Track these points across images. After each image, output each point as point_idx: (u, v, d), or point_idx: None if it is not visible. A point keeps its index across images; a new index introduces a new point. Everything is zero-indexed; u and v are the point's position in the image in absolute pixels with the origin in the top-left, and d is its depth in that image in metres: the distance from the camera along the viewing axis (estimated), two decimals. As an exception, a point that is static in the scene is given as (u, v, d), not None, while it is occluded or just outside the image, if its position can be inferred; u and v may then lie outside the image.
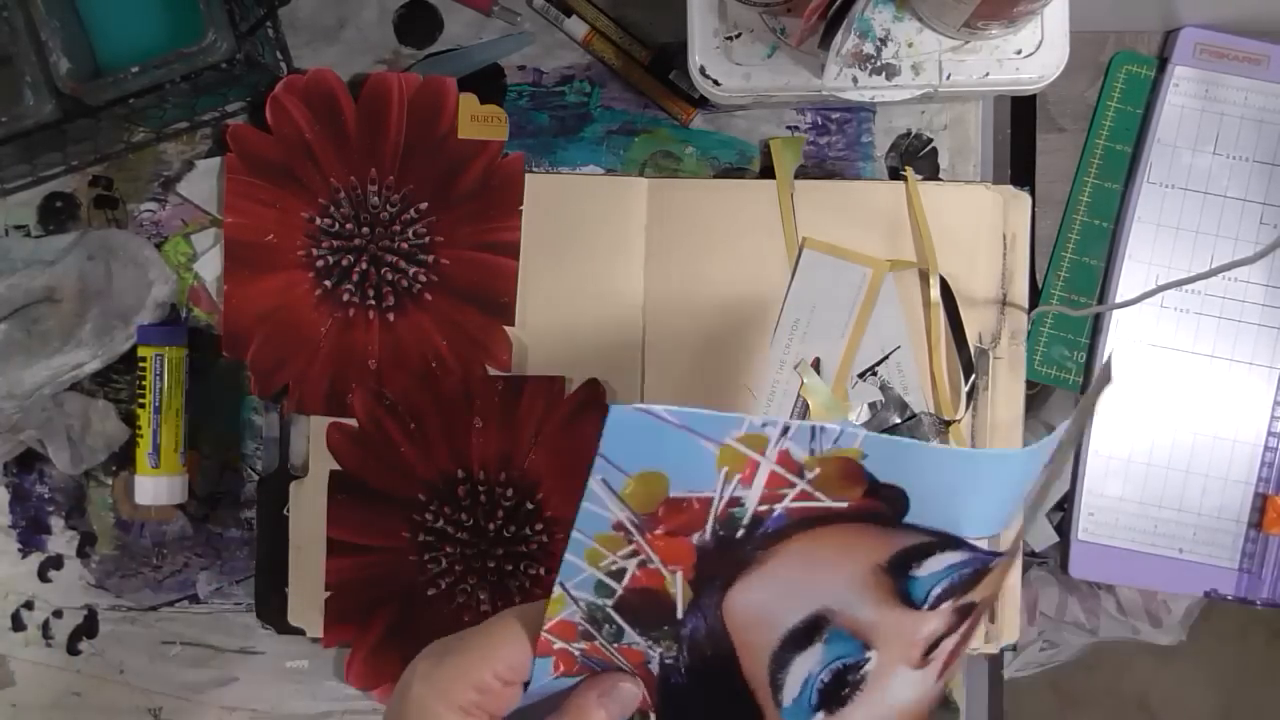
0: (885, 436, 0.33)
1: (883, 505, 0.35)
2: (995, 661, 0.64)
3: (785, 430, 0.33)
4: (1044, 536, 0.67)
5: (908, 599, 0.37)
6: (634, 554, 0.36)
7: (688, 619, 0.37)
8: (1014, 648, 0.63)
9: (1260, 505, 0.63)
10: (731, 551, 0.36)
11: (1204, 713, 1.31)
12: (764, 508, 0.35)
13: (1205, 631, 0.80)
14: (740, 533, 0.36)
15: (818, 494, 0.35)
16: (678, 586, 0.36)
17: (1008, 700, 0.65)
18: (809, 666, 0.37)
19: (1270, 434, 0.63)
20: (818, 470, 0.34)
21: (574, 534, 0.35)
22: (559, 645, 0.38)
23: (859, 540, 0.36)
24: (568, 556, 0.36)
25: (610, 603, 0.37)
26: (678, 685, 0.38)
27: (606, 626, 0.37)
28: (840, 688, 0.37)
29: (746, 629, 0.37)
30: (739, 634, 0.37)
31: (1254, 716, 1.30)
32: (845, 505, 0.35)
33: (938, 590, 0.36)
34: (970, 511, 0.36)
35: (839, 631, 0.37)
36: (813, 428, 0.33)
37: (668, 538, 0.35)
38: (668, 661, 0.38)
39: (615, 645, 0.38)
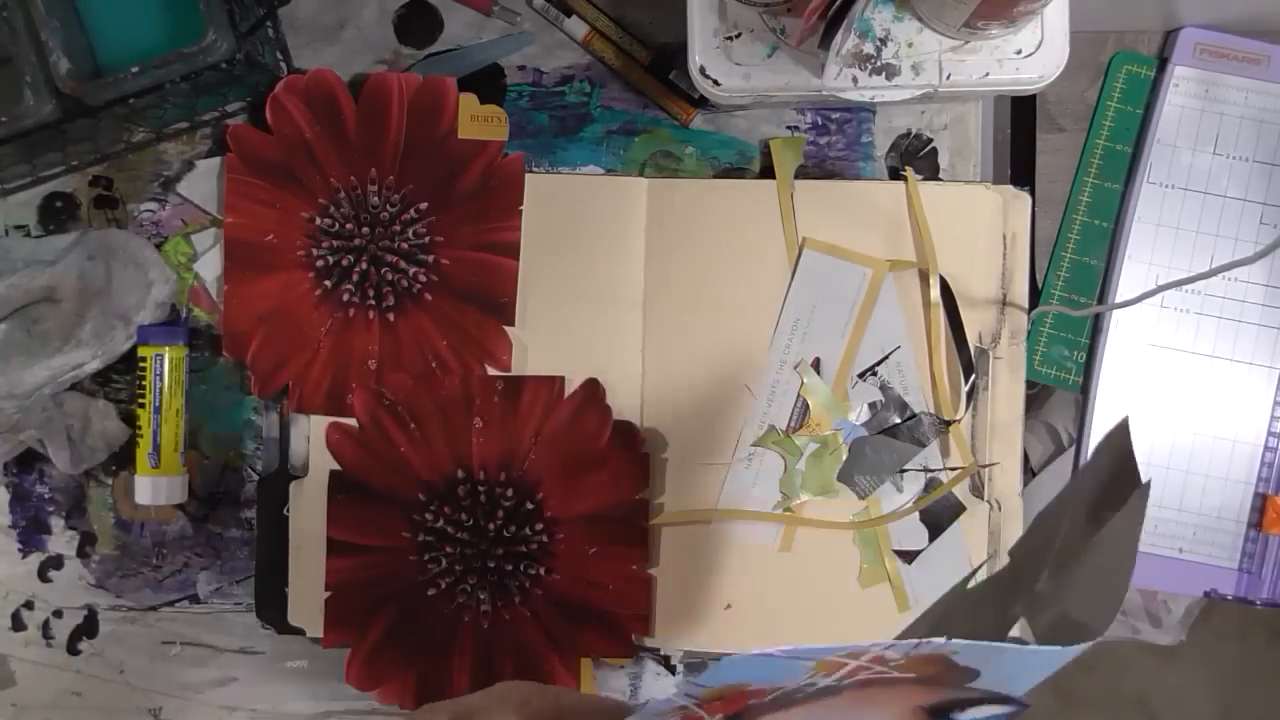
0: (984, 644, 0.32)
1: (949, 676, 0.34)
2: (995, 661, 0.64)
3: (889, 645, 0.31)
4: (1044, 536, 0.67)
5: None
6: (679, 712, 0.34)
7: None
8: (1014, 648, 0.62)
9: (1260, 505, 0.63)
10: (782, 703, 0.34)
11: (1204, 713, 1.31)
12: (833, 681, 0.33)
13: (1205, 631, 0.81)
14: (799, 694, 0.34)
15: (894, 672, 0.33)
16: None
17: (1008, 700, 0.65)
18: None
19: (1270, 434, 0.63)
20: (903, 662, 0.33)
21: (639, 711, 0.34)
22: None
23: (911, 691, 0.35)
24: None
25: None
26: None
27: None
28: None
29: None
30: None
31: (1254, 716, 1.30)
32: (913, 676, 0.34)
33: None
34: (1028, 682, 0.35)
35: None
36: (916, 643, 0.31)
37: (725, 704, 0.34)
38: None
39: None
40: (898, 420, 0.61)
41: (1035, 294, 0.63)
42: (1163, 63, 0.64)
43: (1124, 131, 0.64)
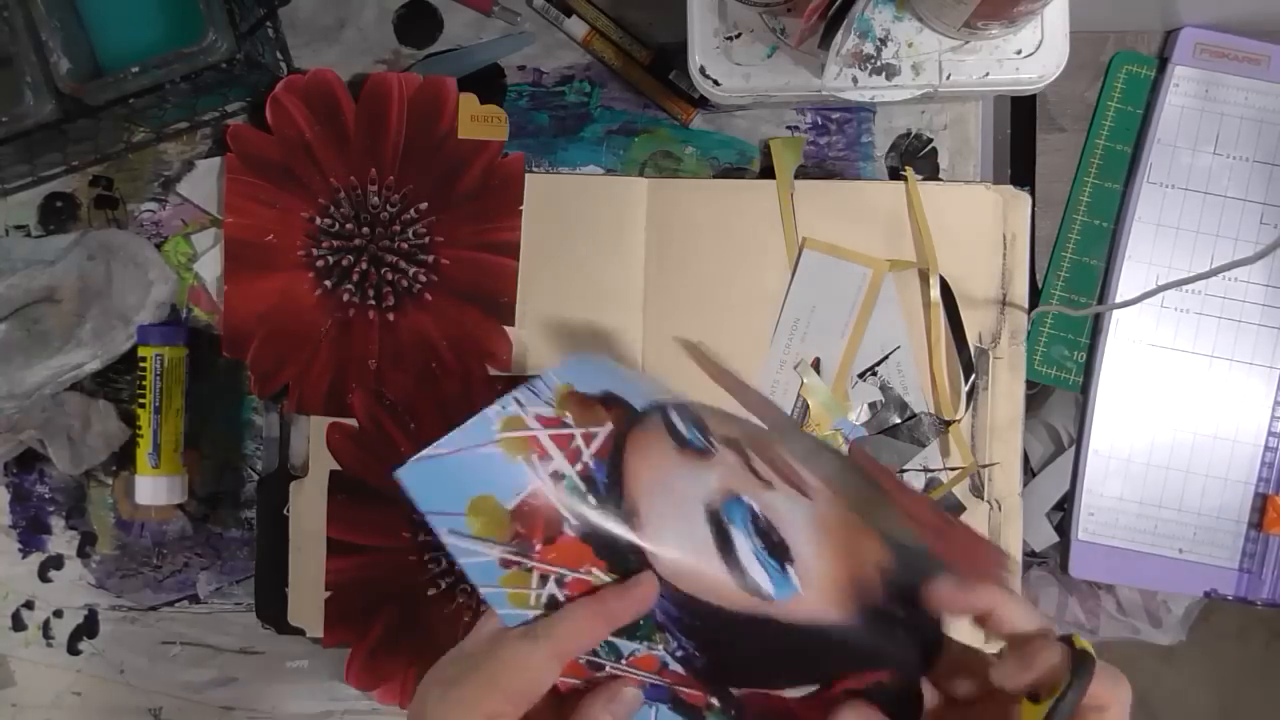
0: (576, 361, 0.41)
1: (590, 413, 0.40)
2: (995, 661, 0.64)
3: (519, 403, 0.38)
4: (1044, 536, 0.67)
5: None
6: (544, 578, 0.37)
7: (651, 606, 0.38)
8: (1014, 648, 0.62)
9: (1260, 505, 0.63)
10: (605, 520, 0.37)
11: (1204, 713, 1.31)
12: (579, 467, 0.38)
13: (1205, 631, 0.80)
14: (590, 498, 0.37)
15: (571, 424, 0.39)
16: (606, 580, 0.37)
17: (1008, 700, 0.65)
18: (746, 546, 0.39)
19: (1270, 434, 0.63)
20: (565, 411, 0.38)
21: (483, 593, 0.37)
22: (574, 681, 0.39)
23: (659, 441, 0.40)
24: (500, 613, 0.38)
25: None
26: (704, 661, 0.39)
27: (601, 648, 0.38)
28: (771, 534, 0.39)
29: (694, 581, 0.38)
30: (696, 589, 0.38)
31: (1254, 716, 1.30)
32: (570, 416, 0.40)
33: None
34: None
35: (731, 503, 0.39)
36: (528, 388, 0.38)
37: (549, 545, 0.37)
38: (679, 655, 0.38)
39: (624, 661, 0.38)
40: (898, 420, 0.61)
41: (1035, 294, 0.63)
42: (1163, 63, 0.64)
43: (1124, 131, 0.64)
